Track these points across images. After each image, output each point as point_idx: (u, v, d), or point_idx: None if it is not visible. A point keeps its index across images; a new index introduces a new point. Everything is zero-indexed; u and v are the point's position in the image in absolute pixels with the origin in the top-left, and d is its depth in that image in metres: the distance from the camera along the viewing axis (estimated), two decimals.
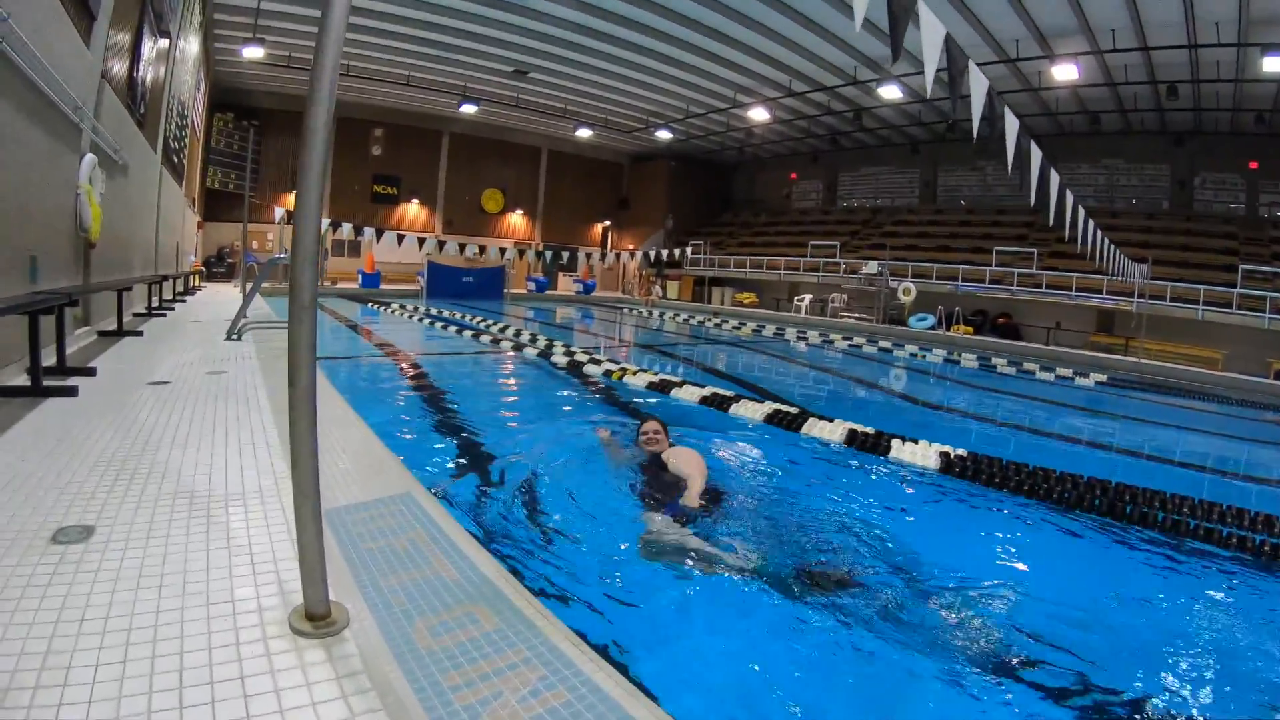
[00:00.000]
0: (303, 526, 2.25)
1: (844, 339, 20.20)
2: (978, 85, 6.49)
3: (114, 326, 9.10)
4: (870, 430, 6.93)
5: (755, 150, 38.29)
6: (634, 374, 9.89)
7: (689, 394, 8.77)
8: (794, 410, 7.64)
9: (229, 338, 9.16)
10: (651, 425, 5.67)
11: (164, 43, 13.60)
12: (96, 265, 8.97)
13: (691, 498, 4.66)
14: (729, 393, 8.61)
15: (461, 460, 6.11)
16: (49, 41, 6.30)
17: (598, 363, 10.93)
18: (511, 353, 12.76)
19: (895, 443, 6.59)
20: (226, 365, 7.35)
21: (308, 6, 21.75)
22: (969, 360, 16.51)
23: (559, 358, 11.51)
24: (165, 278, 13.20)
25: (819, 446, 6.89)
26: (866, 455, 6.61)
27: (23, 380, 5.44)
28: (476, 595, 2.66)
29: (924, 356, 17.32)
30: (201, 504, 3.37)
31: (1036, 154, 8.14)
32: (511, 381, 11.03)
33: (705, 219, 41.64)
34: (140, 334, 9.15)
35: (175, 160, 17.01)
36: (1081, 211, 11.24)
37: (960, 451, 6.35)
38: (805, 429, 7.15)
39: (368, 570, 2.81)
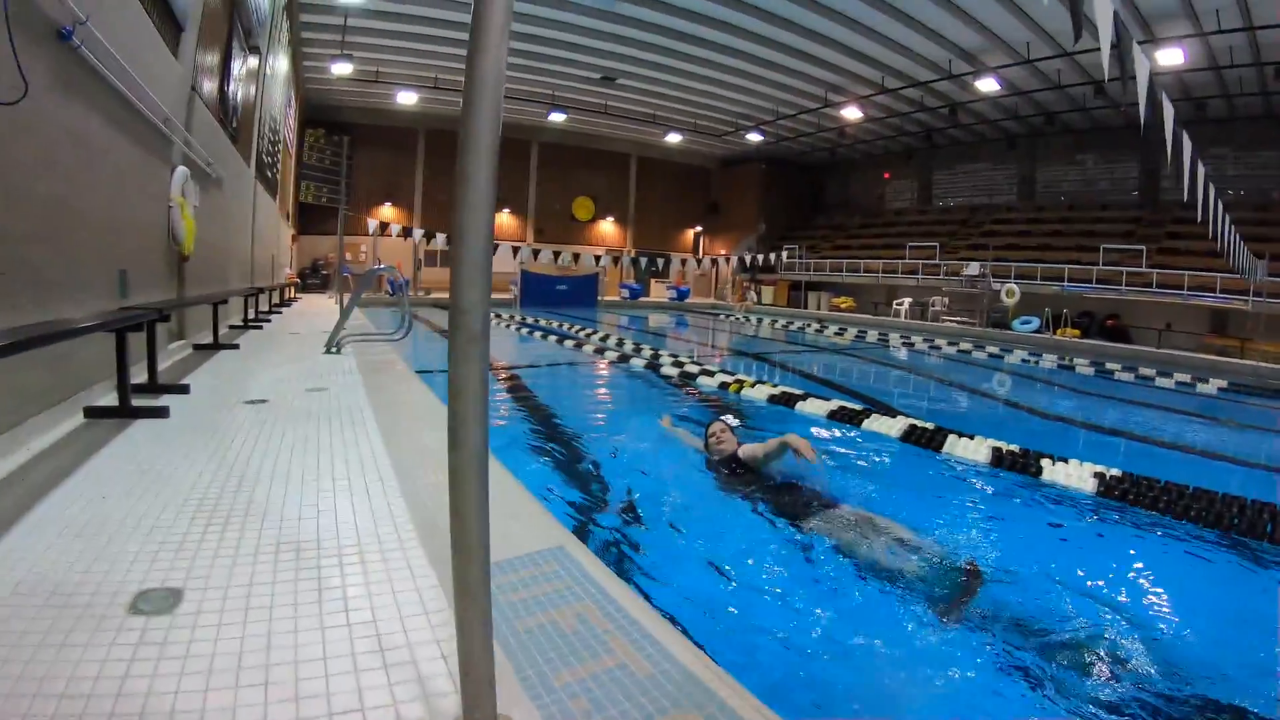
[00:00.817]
0: (467, 632, 1.63)
1: (947, 343, 19.11)
2: (1142, 67, 5.83)
3: (209, 340, 8.95)
4: (1015, 448, 6.24)
5: (847, 151, 37.11)
6: (751, 386, 9.23)
7: (815, 407, 8.08)
8: (929, 427, 6.96)
9: (328, 350, 8.81)
10: (718, 426, 5.51)
11: (254, 59, 13.61)
12: (191, 278, 8.80)
13: (806, 450, 4.55)
14: (856, 406, 7.96)
15: (598, 495, 5.33)
16: (135, 51, 6.05)
17: (710, 374, 10.20)
18: (615, 362, 12.18)
19: (1045, 462, 5.90)
20: (327, 380, 6.92)
21: (393, 23, 21.83)
22: (1082, 366, 15.35)
23: (668, 369, 10.86)
24: (261, 290, 13.05)
25: (958, 465, 6.23)
26: (1013, 475, 5.94)
27: (112, 399, 5.08)
28: (681, 697, 1.94)
29: (1036, 362, 16.17)
30: (310, 560, 2.74)
31: (1187, 144, 7.29)
32: (622, 395, 10.32)
33: (797, 222, 40.61)
34: (236, 347, 8.92)
35: (269, 175, 17.08)
36: (1219, 204, 10.13)
37: (1114, 471, 5.58)
38: (947, 448, 6.48)
39: (533, 662, 2.08)
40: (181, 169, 7.99)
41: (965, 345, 18.69)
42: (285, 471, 3.94)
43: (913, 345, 18.79)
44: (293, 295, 22.69)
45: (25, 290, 4.21)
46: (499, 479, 4.13)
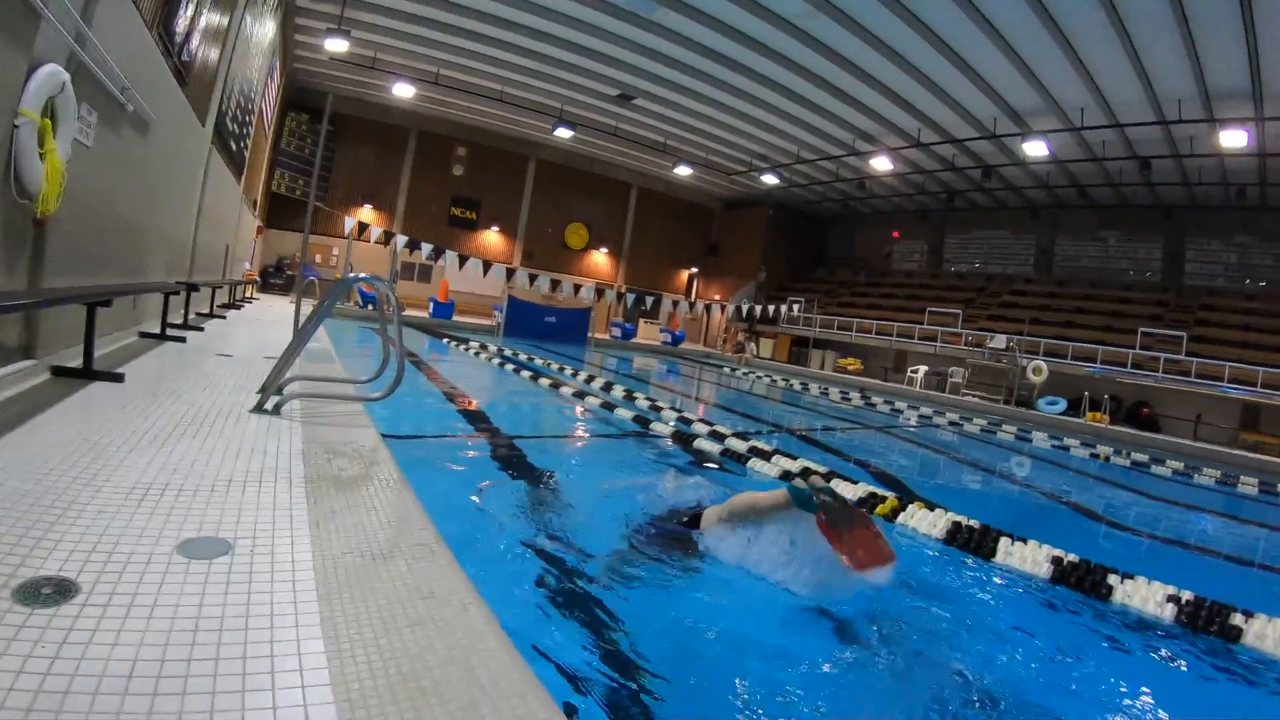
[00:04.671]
0: None
1: (966, 419, 16.61)
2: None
3: (78, 362, 5.32)
4: (1074, 558, 4.98)
5: (858, 204, 34.13)
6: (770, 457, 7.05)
7: (840, 489, 6.00)
8: (974, 525, 5.51)
9: (259, 407, 5.03)
10: None
11: None
12: (56, 255, 5.21)
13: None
14: (887, 494, 6.22)
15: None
16: None
17: (764, 456, 7.11)
18: (600, 414, 8.67)
19: (1112, 578, 4.73)
20: (229, 511, 2.97)
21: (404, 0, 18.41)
22: (1118, 458, 13.04)
23: (707, 443, 7.83)
24: (196, 287, 9.34)
25: (1014, 576, 4.94)
26: (1075, 593, 4.70)
27: None
28: None
29: (1070, 448, 13.74)
30: None
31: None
32: (648, 483, 6.62)
33: (798, 274, 37.51)
34: (119, 379, 5.29)
35: (233, 146, 13.40)
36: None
37: (1187, 595, 4.43)
38: (1000, 556, 5.12)
39: None
40: (54, 70, 4.47)
41: (985, 422, 16.30)
42: None
43: (930, 420, 15.96)
44: (249, 295, 18.89)
45: None
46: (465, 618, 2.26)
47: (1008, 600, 4.71)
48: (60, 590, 2.08)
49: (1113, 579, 4.73)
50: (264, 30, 15.22)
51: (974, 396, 22.37)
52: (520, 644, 2.26)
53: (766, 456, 7.26)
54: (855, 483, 6.55)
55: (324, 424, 4.92)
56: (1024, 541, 5.23)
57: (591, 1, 17.35)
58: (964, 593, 4.75)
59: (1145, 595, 4.56)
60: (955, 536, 5.44)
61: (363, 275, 5.30)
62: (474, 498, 4.98)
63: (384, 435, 4.88)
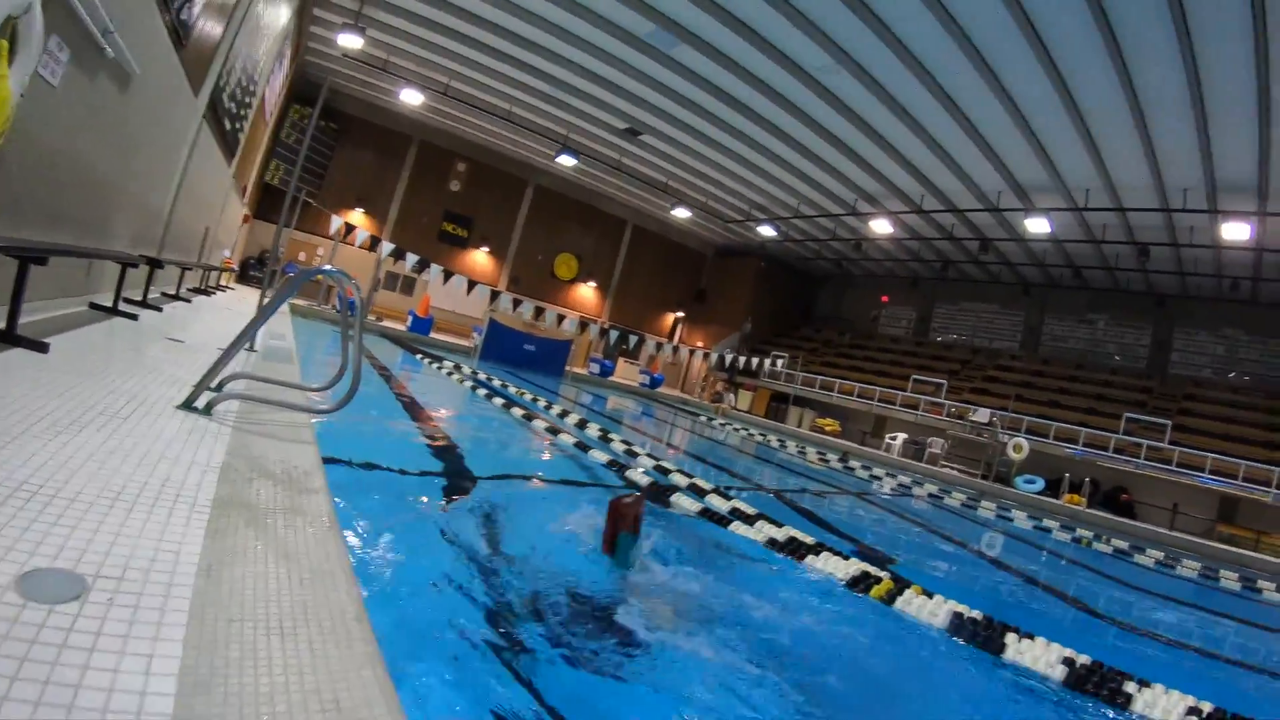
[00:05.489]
0: None
1: (945, 491, 16.35)
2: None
3: (1, 324, 4.58)
4: (1088, 660, 4.61)
5: (850, 265, 33.76)
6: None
7: (832, 566, 5.81)
8: (976, 616, 5.14)
9: (188, 404, 4.20)
10: None
11: None
12: None
13: None
14: (881, 574, 5.71)
15: None
16: None
17: (778, 529, 6.38)
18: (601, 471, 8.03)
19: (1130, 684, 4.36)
20: (107, 544, 2.26)
21: (426, 5, 17.88)
22: (1099, 543, 12.91)
23: (686, 500, 7.09)
24: (158, 263, 8.55)
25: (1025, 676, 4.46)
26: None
27: None
28: None
29: (1051, 530, 13.54)
30: None
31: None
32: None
33: (784, 329, 36.99)
34: (43, 349, 4.52)
35: (227, 126, 12.71)
36: None
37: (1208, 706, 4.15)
38: (1010, 653, 4.70)
39: None
40: None
41: (965, 496, 16.15)
42: None
43: (908, 489, 15.51)
44: (224, 283, 18.07)
45: None
46: None
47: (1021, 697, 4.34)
48: None
49: (1130, 686, 4.44)
50: (277, 13, 14.61)
51: (952, 469, 21.88)
52: None
53: (750, 520, 6.63)
54: (846, 558, 6.01)
55: (259, 433, 4.17)
56: (1031, 638, 4.87)
57: (611, 29, 16.85)
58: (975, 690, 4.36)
59: (1166, 706, 4.27)
60: (960, 630, 5.01)
61: (326, 267, 4.58)
62: (418, 553, 4.16)
63: (326, 459, 4.15)
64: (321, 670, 1.80)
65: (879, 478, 16.41)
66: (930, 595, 5.44)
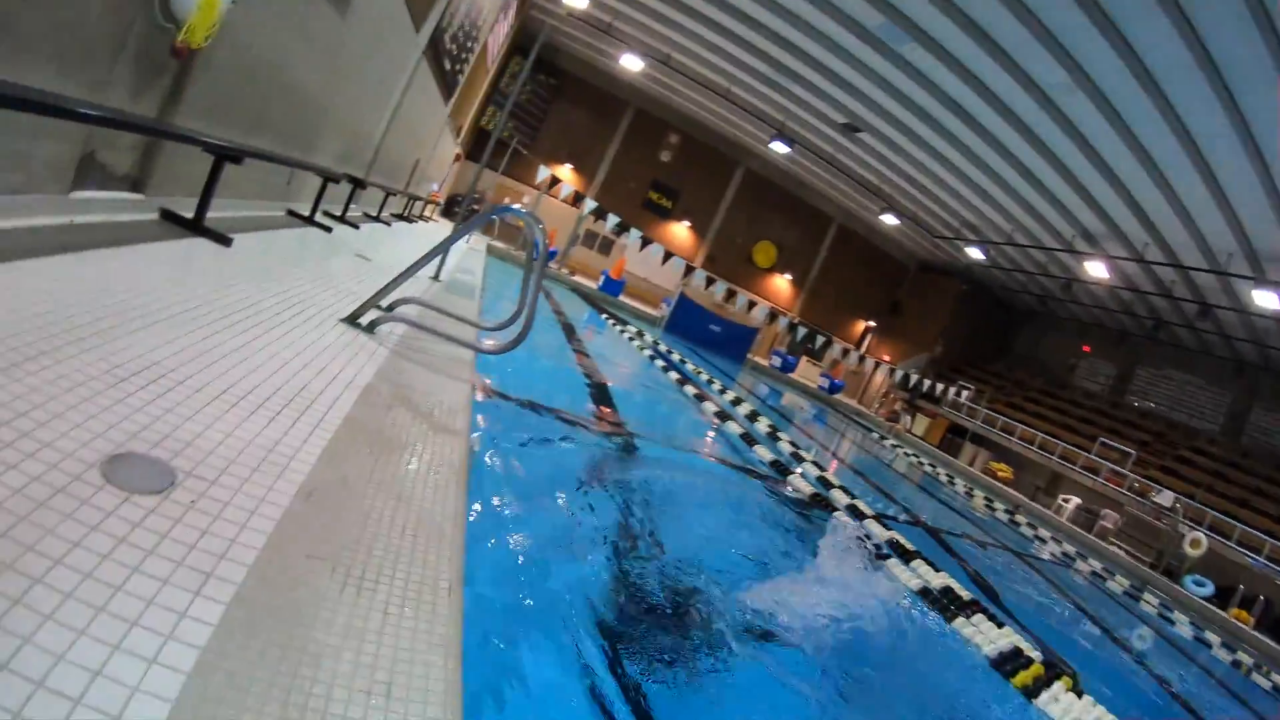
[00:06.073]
0: None
1: (1110, 571, 14.84)
2: None
3: (191, 212, 4.68)
4: None
5: (1056, 306, 31.42)
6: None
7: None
8: None
9: (352, 319, 4.22)
10: None
11: None
12: (200, 98, 4.66)
13: None
14: (1033, 654, 5.06)
15: None
16: None
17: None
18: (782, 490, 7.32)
19: None
20: (214, 442, 2.41)
21: None
22: (1258, 673, 10.93)
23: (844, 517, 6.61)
24: (361, 183, 8.82)
25: None
26: None
27: None
28: None
29: (1212, 644, 11.74)
30: None
31: None
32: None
33: (975, 359, 34.77)
34: (227, 242, 4.53)
35: (447, 67, 13.07)
36: None
37: None
38: None
39: None
40: None
41: (1128, 583, 14.46)
42: None
43: (1070, 561, 14.01)
44: (427, 215, 18.78)
45: None
46: None
47: None
48: None
49: None
50: None
51: (1119, 548, 19.87)
52: None
53: (907, 558, 6.06)
54: (1000, 624, 5.41)
55: (415, 360, 4.10)
56: None
57: (841, 19, 16.09)
58: None
59: None
60: None
61: (514, 207, 4.44)
62: (546, 515, 3.89)
63: (480, 396, 3.97)
64: (387, 643, 1.57)
65: (1043, 540, 15.12)
66: (1080, 694, 4.78)
